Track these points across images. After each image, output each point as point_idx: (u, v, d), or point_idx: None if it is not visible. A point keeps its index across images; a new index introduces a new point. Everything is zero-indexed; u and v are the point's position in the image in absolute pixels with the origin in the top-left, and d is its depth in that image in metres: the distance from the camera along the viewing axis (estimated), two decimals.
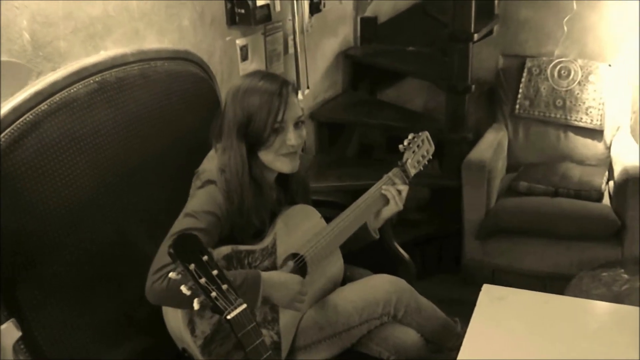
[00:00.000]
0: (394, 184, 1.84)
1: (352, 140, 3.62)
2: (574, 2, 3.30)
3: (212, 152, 1.68)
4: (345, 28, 3.55)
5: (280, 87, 1.58)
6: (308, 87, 2.92)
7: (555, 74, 3.25)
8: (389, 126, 3.24)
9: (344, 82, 3.58)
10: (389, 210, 1.84)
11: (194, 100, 1.88)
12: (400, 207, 1.84)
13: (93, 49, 1.77)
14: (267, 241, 1.65)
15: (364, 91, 3.72)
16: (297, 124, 1.63)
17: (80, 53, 1.74)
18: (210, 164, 1.64)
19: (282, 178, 1.74)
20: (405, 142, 1.90)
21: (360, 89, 3.68)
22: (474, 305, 1.67)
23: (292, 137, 1.60)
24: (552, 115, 3.24)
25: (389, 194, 1.82)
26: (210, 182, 1.59)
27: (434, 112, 3.53)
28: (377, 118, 3.28)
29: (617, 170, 2.87)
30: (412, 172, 1.90)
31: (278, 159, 1.62)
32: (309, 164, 2.98)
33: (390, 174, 1.86)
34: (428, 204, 3.25)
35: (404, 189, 1.84)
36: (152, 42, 2.00)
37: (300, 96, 2.83)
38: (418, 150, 1.91)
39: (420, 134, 1.93)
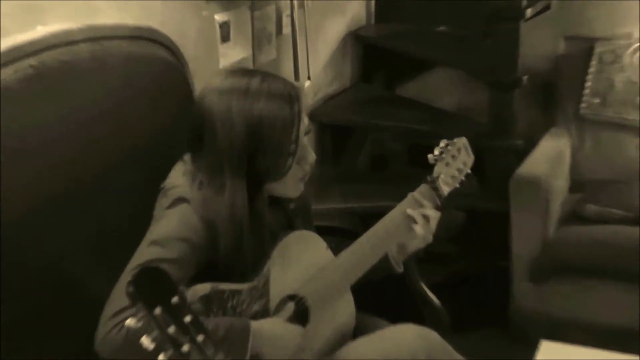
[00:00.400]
0: (421, 206, 1.84)
1: (364, 148, 3.61)
2: None
3: (180, 165, 1.69)
4: (355, 2, 3.54)
5: (289, 89, 1.60)
6: (309, 78, 2.92)
7: (635, 62, 3.24)
8: (412, 130, 3.20)
9: (353, 72, 3.56)
10: (414, 242, 1.85)
11: (160, 93, 1.87)
12: (430, 237, 1.84)
13: (30, 25, 1.76)
14: (257, 278, 1.66)
15: (379, 84, 3.68)
16: (307, 132, 1.66)
17: (12, 29, 1.72)
18: (180, 178, 1.65)
19: (276, 199, 1.76)
20: (436, 152, 1.91)
21: (374, 81, 3.64)
22: None
23: (311, 153, 1.65)
24: (630, 117, 3.23)
25: (415, 220, 1.82)
26: (182, 200, 1.60)
27: (472, 112, 3.50)
28: (396, 119, 3.24)
29: None
30: (446, 190, 1.91)
31: (291, 185, 1.67)
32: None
33: (416, 193, 1.86)
34: (465, 233, 3.25)
35: (435, 213, 1.84)
36: (108, 17, 2.00)
37: (306, 84, 2.85)
38: (453, 163, 1.93)
39: (455, 140, 1.95)
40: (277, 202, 1.77)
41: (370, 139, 3.65)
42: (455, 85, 3.66)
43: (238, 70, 1.68)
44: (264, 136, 1.57)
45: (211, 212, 1.56)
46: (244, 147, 1.58)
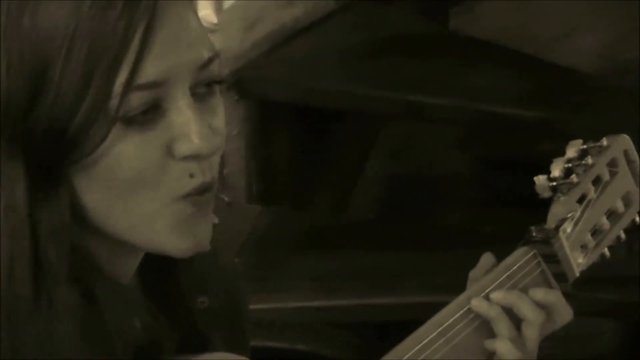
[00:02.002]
0: (511, 296, 1.29)
1: (371, 160, 2.78)
2: None
3: None
4: None
5: None
6: None
7: None
8: (495, 117, 2.45)
9: None
10: None
11: None
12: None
13: None
14: None
15: (407, 4, 2.84)
16: (206, 91, 1.05)
17: None
18: None
19: (160, 271, 1.14)
20: (556, 169, 1.30)
21: (395, 1, 2.82)
22: None
23: (193, 128, 1.02)
24: None
25: (496, 328, 1.27)
26: None
27: (635, 75, 2.71)
28: (453, 90, 2.44)
29: None
30: (578, 264, 1.33)
31: (159, 213, 1.04)
32: (247, 234, 2.29)
33: (502, 265, 1.30)
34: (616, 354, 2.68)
35: (539, 317, 1.27)
36: None
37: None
38: (598, 197, 1.34)
39: (605, 143, 1.34)
40: (162, 286, 1.16)
41: (385, 137, 2.75)
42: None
43: None
44: (52, 68, 1.02)
45: None
46: (17, 99, 1.05)
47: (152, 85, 0.99)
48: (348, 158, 2.90)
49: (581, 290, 1.66)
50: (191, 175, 1.01)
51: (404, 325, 1.40)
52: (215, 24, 2.03)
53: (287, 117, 2.70)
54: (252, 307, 2.01)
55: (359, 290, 2.29)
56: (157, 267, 1.11)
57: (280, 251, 2.42)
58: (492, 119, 2.43)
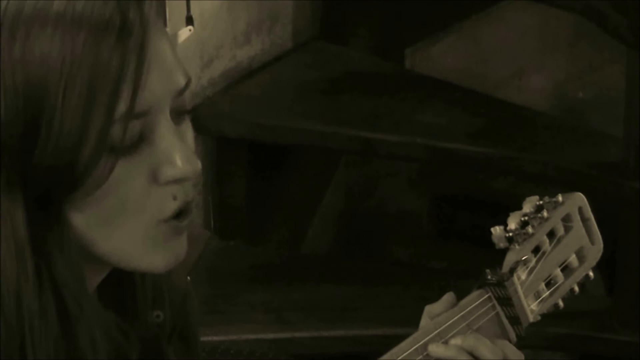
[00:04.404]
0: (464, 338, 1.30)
1: (326, 198, 2.78)
2: None
3: None
4: None
5: (117, 10, 1.03)
6: (189, 22, 2.31)
7: None
8: (447, 154, 2.41)
9: (303, 15, 2.72)
10: None
11: None
12: None
13: None
14: None
15: (361, 44, 2.81)
16: (178, 117, 1.07)
17: None
18: None
19: (116, 285, 1.16)
20: (513, 222, 1.35)
21: (349, 37, 2.76)
22: None
23: (178, 152, 1.04)
24: None
25: (456, 358, 1.29)
26: None
27: (587, 114, 2.84)
28: (407, 129, 2.42)
29: None
30: (532, 311, 1.36)
31: (142, 236, 1.06)
32: (198, 256, 2.38)
33: (457, 307, 1.33)
34: None
35: (501, 348, 1.30)
36: None
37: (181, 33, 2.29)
38: (552, 251, 1.38)
39: (561, 199, 1.39)
40: (125, 301, 1.18)
41: (341, 174, 2.76)
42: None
43: None
44: (49, 101, 1.01)
45: None
46: (13, 128, 1.03)
47: (144, 113, 1.01)
48: (304, 194, 2.92)
49: (534, 324, 1.68)
50: (174, 198, 1.04)
51: (355, 357, 1.42)
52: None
53: (244, 153, 2.70)
54: (207, 338, 2.02)
55: (312, 323, 2.30)
56: (113, 281, 1.13)
57: (236, 284, 2.42)
58: (445, 155, 2.41)
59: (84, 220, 1.03)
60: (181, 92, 1.06)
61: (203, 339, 1.96)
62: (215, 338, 2.18)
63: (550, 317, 1.92)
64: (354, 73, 2.83)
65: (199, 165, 1.06)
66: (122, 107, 0.99)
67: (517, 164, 2.49)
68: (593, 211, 1.42)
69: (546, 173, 2.57)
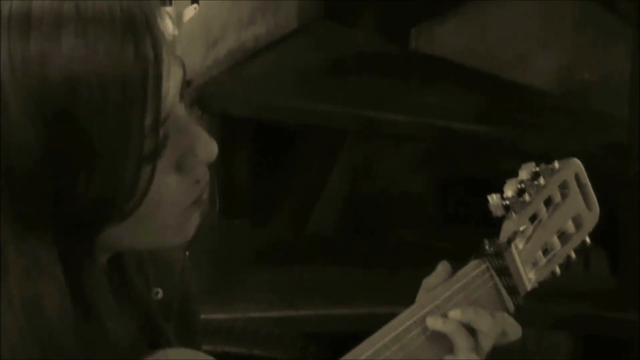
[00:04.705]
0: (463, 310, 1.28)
1: (331, 177, 2.77)
2: None
3: None
4: None
5: (130, 9, 0.93)
6: (196, 2, 2.33)
7: None
8: (449, 133, 2.39)
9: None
10: None
11: None
12: None
13: None
14: None
15: (368, 26, 2.79)
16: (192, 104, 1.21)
17: None
18: None
19: (112, 263, 1.08)
20: (509, 189, 1.29)
21: (358, 18, 2.74)
22: None
23: (205, 138, 1.01)
24: None
25: (453, 340, 1.25)
26: None
27: (593, 96, 2.75)
28: (412, 109, 2.40)
29: None
30: (529, 280, 1.32)
31: (167, 223, 1.02)
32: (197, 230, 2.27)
33: (454, 278, 1.30)
34: None
35: (494, 328, 1.25)
36: None
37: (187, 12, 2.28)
38: (548, 217, 1.34)
39: (557, 166, 1.36)
40: (123, 279, 1.11)
41: (346, 155, 2.74)
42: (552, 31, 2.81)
43: None
44: (81, 124, 0.90)
45: None
46: (39, 159, 0.90)
47: (167, 117, 0.96)
48: (309, 174, 2.92)
49: (538, 303, 1.68)
50: (197, 181, 1.02)
51: (358, 336, 1.43)
52: (174, 35, 2.07)
53: (249, 132, 2.71)
54: (211, 316, 2.01)
55: (316, 302, 2.31)
56: (113, 259, 1.10)
57: (240, 263, 2.42)
58: (450, 136, 2.41)
59: (119, 228, 0.99)
60: (184, 82, 1.02)
61: (208, 317, 1.97)
62: (220, 316, 2.17)
63: (554, 296, 1.94)
64: (359, 53, 2.81)
65: (216, 145, 1.04)
66: (149, 118, 0.94)
67: (521, 144, 2.48)
68: (596, 192, 1.40)
69: (551, 154, 2.56)
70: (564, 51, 3.05)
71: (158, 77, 0.93)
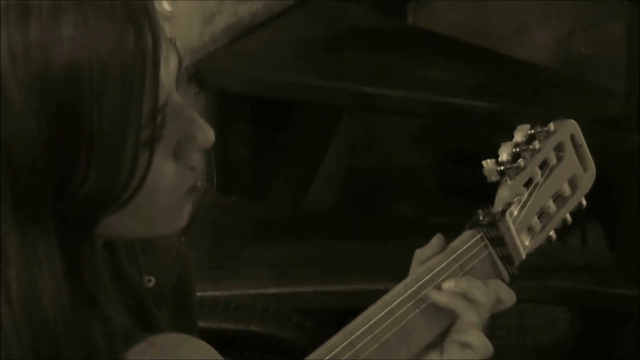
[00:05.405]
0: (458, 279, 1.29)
1: (330, 152, 2.81)
2: None
3: None
4: None
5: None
6: None
7: None
8: (444, 107, 2.40)
9: None
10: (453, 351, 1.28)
11: None
12: (488, 349, 1.25)
13: None
14: None
15: (368, 1, 2.83)
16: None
17: None
18: None
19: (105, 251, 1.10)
20: (504, 153, 1.30)
21: None
22: None
23: (202, 125, 1.02)
24: None
25: (454, 309, 1.25)
26: None
27: (590, 69, 2.81)
28: (409, 83, 2.42)
29: None
30: (523, 246, 1.32)
31: (164, 211, 1.04)
32: (194, 214, 2.31)
33: (449, 247, 1.30)
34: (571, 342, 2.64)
35: (489, 297, 1.26)
36: None
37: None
38: (544, 182, 1.34)
39: (553, 127, 1.34)
40: (115, 268, 1.11)
41: (343, 130, 2.78)
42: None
43: None
44: (81, 110, 0.90)
45: None
46: (40, 147, 0.90)
47: (165, 104, 0.97)
48: (307, 149, 2.92)
49: (536, 278, 1.67)
50: (192, 168, 1.02)
51: (356, 311, 1.43)
52: (169, 12, 2.06)
53: (246, 108, 2.69)
54: (207, 293, 2.00)
55: (314, 278, 2.31)
56: (104, 247, 1.09)
57: (238, 239, 2.42)
58: (447, 110, 2.40)
59: (114, 216, 1.00)
60: (180, 69, 1.02)
61: (205, 294, 1.96)
62: (217, 293, 2.17)
63: (552, 271, 1.93)
64: (356, 28, 2.81)
65: (213, 132, 1.04)
66: (147, 104, 0.94)
67: (519, 118, 2.46)
68: (595, 165, 1.39)
69: None
70: (561, 25, 3.05)
71: (157, 63, 0.93)
